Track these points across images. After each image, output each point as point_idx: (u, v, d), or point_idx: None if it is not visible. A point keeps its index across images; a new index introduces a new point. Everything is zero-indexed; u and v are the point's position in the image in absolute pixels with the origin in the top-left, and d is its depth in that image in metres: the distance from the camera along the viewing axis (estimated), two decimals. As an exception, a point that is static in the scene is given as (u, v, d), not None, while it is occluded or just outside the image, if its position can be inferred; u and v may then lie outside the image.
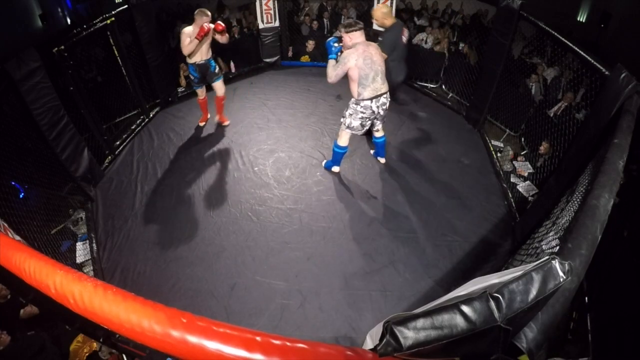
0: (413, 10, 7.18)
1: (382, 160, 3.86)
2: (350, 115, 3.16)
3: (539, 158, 3.79)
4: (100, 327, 1.15)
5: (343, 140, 3.37)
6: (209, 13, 3.72)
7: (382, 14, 3.89)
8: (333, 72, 3.01)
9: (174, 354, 0.93)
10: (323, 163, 3.81)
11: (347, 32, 2.97)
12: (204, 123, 4.56)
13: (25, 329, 2.57)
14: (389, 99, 3.18)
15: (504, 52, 3.81)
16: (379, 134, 3.56)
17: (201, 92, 4.26)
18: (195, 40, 3.64)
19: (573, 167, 2.48)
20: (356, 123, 3.17)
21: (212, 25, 3.72)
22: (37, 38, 7.30)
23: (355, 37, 2.96)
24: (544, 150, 3.71)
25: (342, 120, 3.26)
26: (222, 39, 3.87)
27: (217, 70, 4.08)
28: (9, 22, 7.25)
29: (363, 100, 3.04)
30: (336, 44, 3.07)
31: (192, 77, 4.04)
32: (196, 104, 4.50)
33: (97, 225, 3.32)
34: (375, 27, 5.29)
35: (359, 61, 2.89)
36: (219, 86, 4.17)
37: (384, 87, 3.08)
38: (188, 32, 3.68)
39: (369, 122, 3.22)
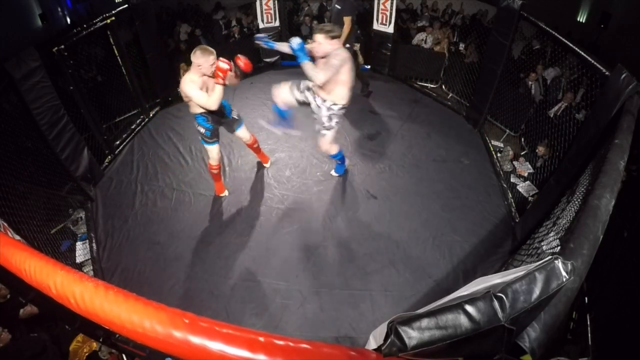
0: (414, 11, 7.18)
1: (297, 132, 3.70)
2: (331, 119, 3.04)
3: (539, 158, 3.79)
4: (100, 327, 1.14)
5: (334, 148, 3.30)
6: (212, 50, 2.68)
7: None
8: (324, 73, 2.70)
9: (175, 355, 0.92)
10: (333, 173, 3.69)
11: (332, 38, 2.75)
12: (224, 194, 3.50)
13: (25, 328, 2.56)
14: None
15: (504, 52, 3.82)
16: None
17: (217, 152, 3.11)
18: (217, 86, 2.68)
19: (573, 168, 2.48)
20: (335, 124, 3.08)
21: (229, 66, 2.64)
22: (37, 38, 7.29)
23: (335, 44, 2.79)
24: (541, 152, 3.72)
25: (323, 131, 3.09)
26: (234, 80, 2.96)
27: (235, 114, 3.20)
28: (8, 22, 7.25)
29: (346, 106, 3.00)
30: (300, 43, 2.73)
31: (202, 131, 2.96)
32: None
33: (97, 225, 3.31)
34: (375, 27, 5.30)
35: (350, 64, 2.80)
36: (243, 133, 3.34)
37: None
38: (194, 82, 2.68)
39: None
